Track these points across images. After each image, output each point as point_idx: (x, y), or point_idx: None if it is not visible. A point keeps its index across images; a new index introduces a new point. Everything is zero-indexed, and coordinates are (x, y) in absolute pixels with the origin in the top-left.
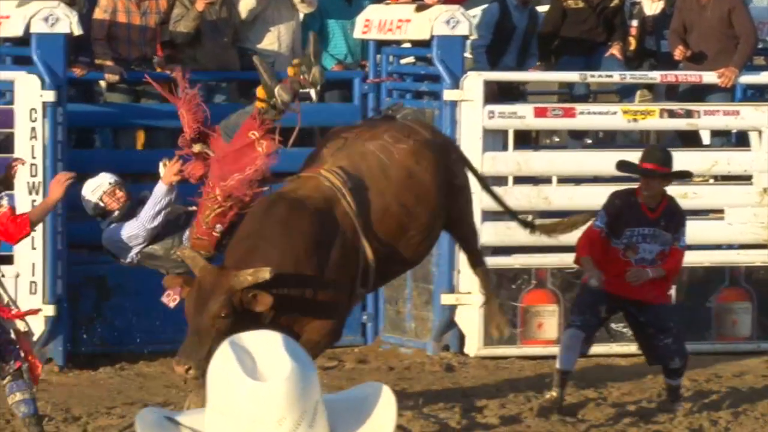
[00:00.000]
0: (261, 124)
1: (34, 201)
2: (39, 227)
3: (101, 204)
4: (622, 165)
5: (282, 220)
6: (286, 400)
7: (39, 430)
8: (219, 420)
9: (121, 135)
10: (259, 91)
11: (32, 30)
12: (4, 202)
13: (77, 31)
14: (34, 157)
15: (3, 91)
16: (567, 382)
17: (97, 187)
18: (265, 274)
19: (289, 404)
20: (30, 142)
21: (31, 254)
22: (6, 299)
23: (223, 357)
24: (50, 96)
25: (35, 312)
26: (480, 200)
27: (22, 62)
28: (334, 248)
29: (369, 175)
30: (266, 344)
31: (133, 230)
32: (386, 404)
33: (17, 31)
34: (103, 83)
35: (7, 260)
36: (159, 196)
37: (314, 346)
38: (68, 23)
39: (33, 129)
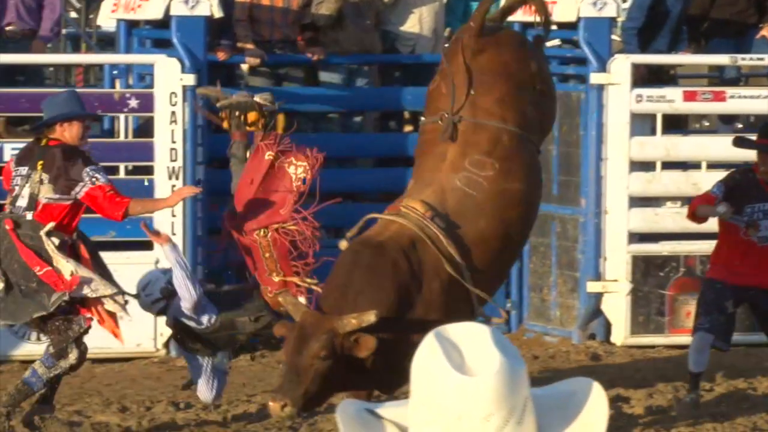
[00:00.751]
0: (272, 142)
1: (173, 186)
2: (179, 212)
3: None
4: (738, 141)
5: (369, 267)
6: (494, 396)
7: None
8: (422, 413)
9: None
10: (250, 117)
11: (172, 13)
12: (104, 176)
13: (218, 13)
14: (173, 142)
15: (143, 75)
16: (700, 383)
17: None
18: (371, 317)
19: (497, 400)
20: (170, 126)
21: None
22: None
23: (429, 349)
24: (190, 79)
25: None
26: (627, 186)
27: (162, 45)
28: (428, 288)
29: (458, 209)
30: (474, 337)
31: (188, 307)
32: (597, 402)
33: (157, 14)
34: (244, 66)
35: (147, 246)
36: (174, 260)
37: None
38: (208, 6)
39: (173, 113)
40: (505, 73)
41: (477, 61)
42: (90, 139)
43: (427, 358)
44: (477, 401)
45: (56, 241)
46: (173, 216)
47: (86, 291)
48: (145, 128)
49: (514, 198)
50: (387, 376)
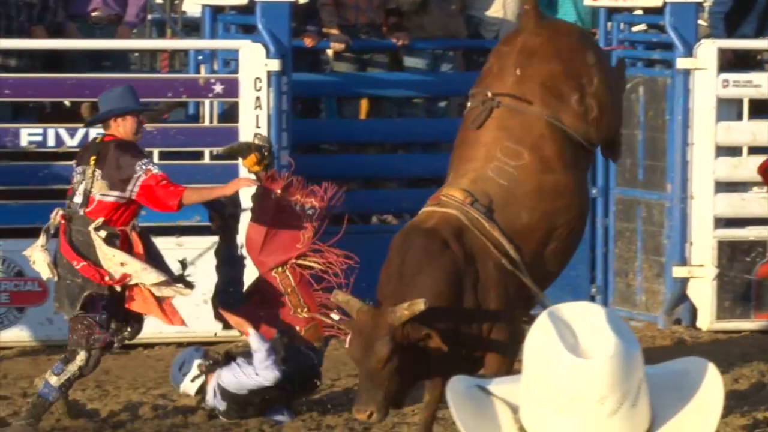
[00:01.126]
0: (275, 180)
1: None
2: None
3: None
4: None
5: (422, 250)
6: (609, 380)
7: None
8: (535, 394)
9: (344, 104)
10: (247, 162)
11: None
12: (156, 168)
13: None
14: (258, 127)
15: (228, 60)
16: None
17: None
18: (420, 305)
19: (612, 383)
20: (254, 112)
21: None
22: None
23: (542, 330)
24: (275, 65)
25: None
26: (713, 171)
27: (247, 31)
28: (483, 271)
29: (496, 197)
30: (588, 317)
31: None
32: (712, 383)
33: (242, 0)
34: (329, 52)
35: None
36: (259, 348)
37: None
38: None
39: (257, 98)
40: (555, 60)
41: (529, 43)
42: (175, 125)
43: (540, 338)
44: (591, 384)
45: (103, 234)
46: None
47: (130, 280)
48: (229, 113)
49: (552, 189)
50: (461, 360)
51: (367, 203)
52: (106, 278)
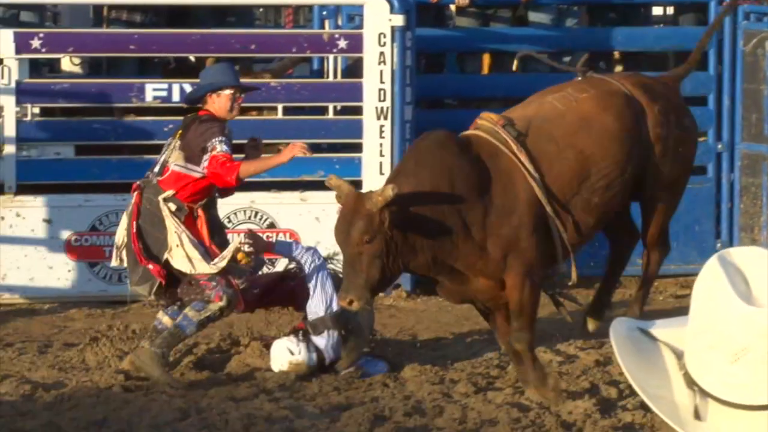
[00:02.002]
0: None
1: (382, 126)
2: (387, 153)
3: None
4: None
5: (428, 148)
6: None
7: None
8: (702, 339)
9: (467, 59)
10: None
11: None
12: (222, 146)
13: None
14: (382, 82)
15: (352, 16)
16: None
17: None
18: (389, 191)
19: None
20: (378, 67)
21: (379, 180)
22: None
23: (712, 274)
24: (399, 20)
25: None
26: None
27: None
28: (500, 189)
29: (539, 122)
30: (760, 264)
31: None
32: None
33: None
34: (453, 7)
35: (356, 186)
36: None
37: (520, 314)
38: None
39: (381, 54)
40: (660, 92)
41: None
42: (299, 80)
43: (710, 283)
44: (764, 334)
45: (173, 206)
46: (381, 156)
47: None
48: (353, 69)
49: (602, 130)
50: (443, 258)
51: None
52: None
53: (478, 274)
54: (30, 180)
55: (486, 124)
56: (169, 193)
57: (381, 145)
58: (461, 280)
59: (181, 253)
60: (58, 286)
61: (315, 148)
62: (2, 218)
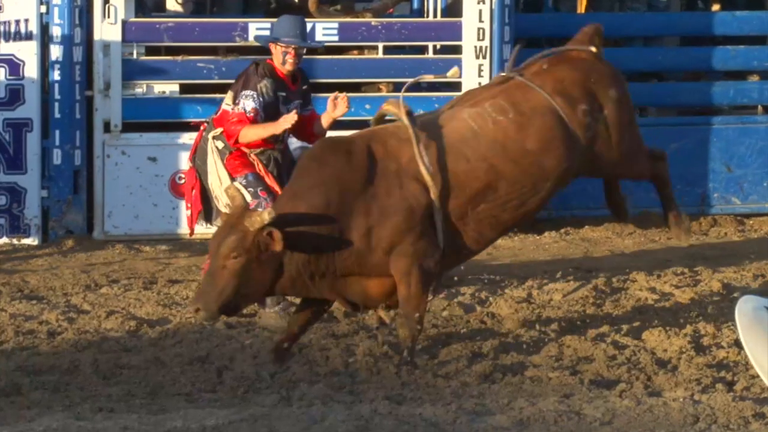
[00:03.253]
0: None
1: (480, 65)
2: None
3: None
4: None
5: (308, 166)
6: None
7: None
8: None
9: None
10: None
11: None
12: (246, 102)
13: None
14: (481, 21)
15: None
16: None
17: None
18: (265, 215)
19: None
20: (477, 6)
21: (476, 82)
22: None
23: None
24: None
25: None
26: None
27: None
28: (386, 193)
29: (452, 141)
30: None
31: None
32: None
33: None
34: None
35: (456, 87)
36: None
37: (406, 303)
38: None
39: None
40: (581, 73)
41: (571, 55)
42: (399, 19)
43: None
44: None
45: (220, 144)
46: (480, 77)
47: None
48: (453, 8)
49: (515, 152)
50: (319, 283)
51: None
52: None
53: (369, 275)
54: (135, 118)
55: (391, 109)
56: (218, 131)
57: (479, 83)
58: (348, 285)
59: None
60: (162, 224)
61: (415, 87)
62: (108, 156)
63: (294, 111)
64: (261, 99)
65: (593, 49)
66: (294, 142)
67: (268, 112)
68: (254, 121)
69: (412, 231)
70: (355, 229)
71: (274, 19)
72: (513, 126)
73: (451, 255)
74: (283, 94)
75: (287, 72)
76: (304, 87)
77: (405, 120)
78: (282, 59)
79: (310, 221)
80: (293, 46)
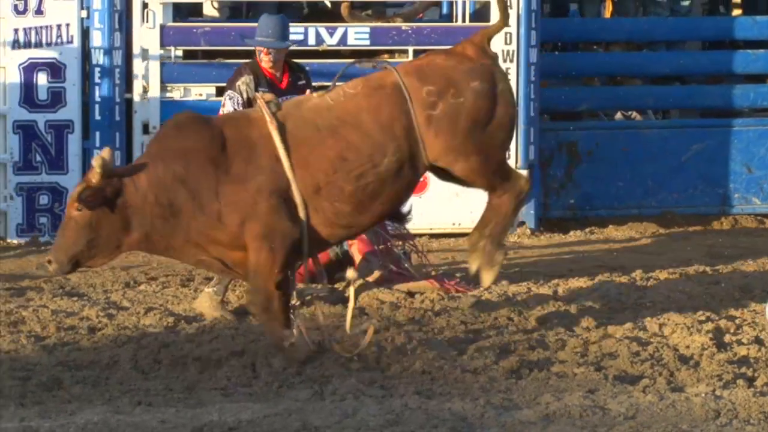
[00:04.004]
0: None
1: (508, 69)
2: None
3: None
4: None
5: (165, 131)
6: None
7: None
8: None
9: (587, 3)
10: None
11: None
12: (225, 100)
13: None
14: (508, 26)
15: None
16: None
17: None
18: (96, 167)
19: None
20: None
21: None
22: None
23: None
24: None
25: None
26: None
27: None
28: (235, 165)
29: (306, 111)
30: None
31: None
32: None
33: None
34: None
35: None
36: None
37: (254, 275)
38: None
39: None
40: (441, 68)
41: (451, 51)
42: (429, 24)
43: None
44: None
45: None
46: None
47: None
48: (481, 13)
49: (357, 125)
50: (181, 248)
51: (612, 100)
52: None
53: (218, 245)
54: None
55: (258, 103)
56: None
57: None
58: (209, 254)
59: None
60: None
61: None
62: None
63: None
64: (239, 98)
65: (486, 48)
66: None
67: (250, 107)
68: None
69: (263, 204)
70: (210, 200)
71: (309, 24)
72: (358, 98)
73: (315, 233)
74: (265, 89)
75: (270, 69)
76: (300, 83)
77: (260, 101)
78: (259, 57)
79: (159, 182)
80: (268, 48)
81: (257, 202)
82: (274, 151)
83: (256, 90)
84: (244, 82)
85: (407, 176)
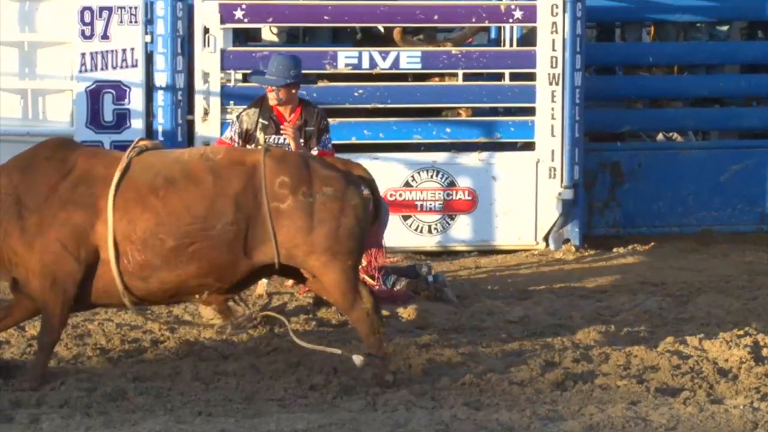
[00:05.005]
0: None
1: (553, 91)
2: (558, 116)
3: None
4: None
5: (30, 150)
6: None
7: None
8: None
9: (628, 28)
10: None
11: None
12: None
13: None
14: (554, 50)
15: None
16: None
17: None
18: None
19: None
20: (551, 36)
21: (551, 142)
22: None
23: None
24: None
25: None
26: None
27: None
28: (67, 195)
29: (161, 163)
30: None
31: None
32: None
33: None
34: None
35: (529, 147)
36: None
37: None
38: None
39: (554, 23)
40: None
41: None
42: (478, 48)
43: None
44: None
45: None
46: (552, 119)
47: None
48: (528, 37)
49: (206, 185)
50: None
51: (654, 122)
52: None
53: (20, 267)
54: None
55: (147, 144)
56: None
57: (552, 109)
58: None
59: None
60: None
61: (492, 112)
62: None
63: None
64: (238, 126)
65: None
66: None
67: (248, 138)
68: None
69: (55, 239)
70: (29, 221)
71: (363, 48)
72: (213, 163)
73: (128, 280)
74: (265, 123)
75: (278, 106)
76: (307, 128)
77: (129, 151)
78: (269, 95)
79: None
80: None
81: (53, 236)
82: (106, 191)
83: (257, 124)
84: (248, 113)
85: (240, 256)
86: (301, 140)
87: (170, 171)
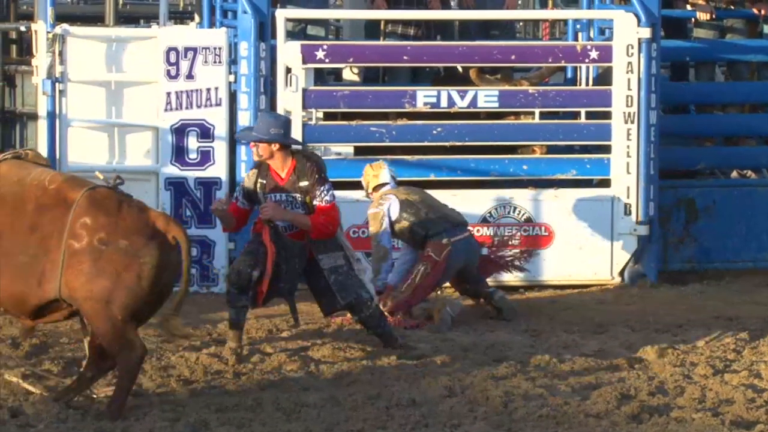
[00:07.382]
0: None
1: (629, 129)
2: (633, 154)
3: None
4: None
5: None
6: None
7: None
8: None
9: (701, 68)
10: None
11: None
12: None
13: None
14: (629, 89)
15: (603, 29)
16: None
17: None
18: None
19: None
20: (626, 75)
21: (626, 178)
22: None
23: None
24: (646, 33)
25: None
26: None
27: (621, 1)
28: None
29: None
30: None
31: None
32: None
33: None
34: (694, 19)
35: (605, 184)
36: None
37: None
38: None
39: (629, 63)
40: None
41: None
42: (554, 88)
43: None
44: None
45: None
46: (628, 157)
47: None
48: (604, 77)
49: (20, 210)
50: None
51: (728, 159)
52: None
53: None
54: None
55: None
56: None
57: (628, 146)
58: None
59: None
60: None
61: (568, 149)
62: None
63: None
64: (242, 187)
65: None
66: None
67: (251, 197)
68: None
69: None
70: None
71: (441, 87)
72: (37, 190)
73: None
74: (263, 182)
75: (267, 161)
76: (301, 184)
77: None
78: (257, 153)
79: None
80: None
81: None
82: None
83: (256, 183)
84: (248, 175)
85: (34, 289)
86: (297, 195)
87: (8, 189)
